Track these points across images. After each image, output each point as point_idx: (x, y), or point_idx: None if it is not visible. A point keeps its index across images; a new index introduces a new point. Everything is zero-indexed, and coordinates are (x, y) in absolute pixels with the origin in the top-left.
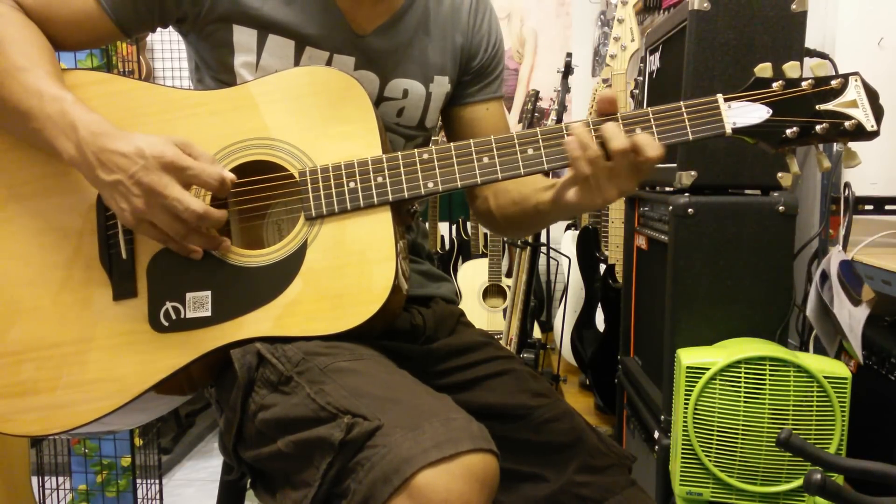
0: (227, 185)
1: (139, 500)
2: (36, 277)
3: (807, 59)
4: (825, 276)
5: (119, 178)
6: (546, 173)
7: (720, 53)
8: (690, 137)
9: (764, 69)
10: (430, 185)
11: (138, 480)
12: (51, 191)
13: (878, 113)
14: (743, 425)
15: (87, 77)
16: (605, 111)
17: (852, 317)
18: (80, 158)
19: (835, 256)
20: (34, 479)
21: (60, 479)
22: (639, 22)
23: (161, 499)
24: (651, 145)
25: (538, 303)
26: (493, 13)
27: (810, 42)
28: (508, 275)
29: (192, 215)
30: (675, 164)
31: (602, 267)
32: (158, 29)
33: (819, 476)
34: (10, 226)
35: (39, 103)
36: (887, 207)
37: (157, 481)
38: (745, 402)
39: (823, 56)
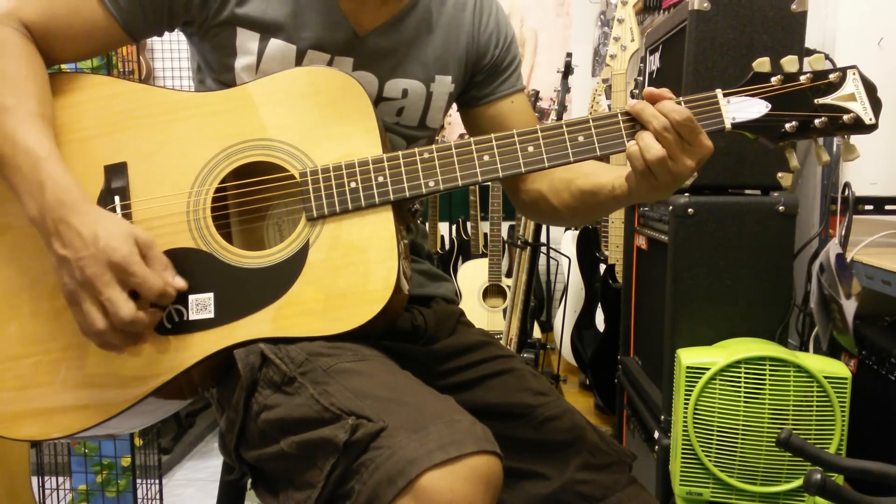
0: (169, 297)
1: (139, 500)
2: (40, 281)
3: (807, 60)
4: (823, 268)
5: (67, 256)
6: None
7: (720, 53)
8: None
9: (762, 64)
10: (432, 183)
11: (138, 480)
12: None
13: (876, 106)
14: (743, 425)
15: (85, 80)
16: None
17: (846, 309)
18: (39, 221)
19: (832, 249)
20: (34, 479)
21: (60, 479)
22: (639, 22)
23: (161, 499)
24: (675, 108)
25: (538, 303)
26: (501, 10)
27: (810, 42)
28: (508, 275)
29: (118, 319)
30: None
31: (602, 267)
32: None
33: (819, 476)
34: (9, 230)
35: (12, 152)
36: (887, 207)
37: (157, 481)
38: (745, 402)
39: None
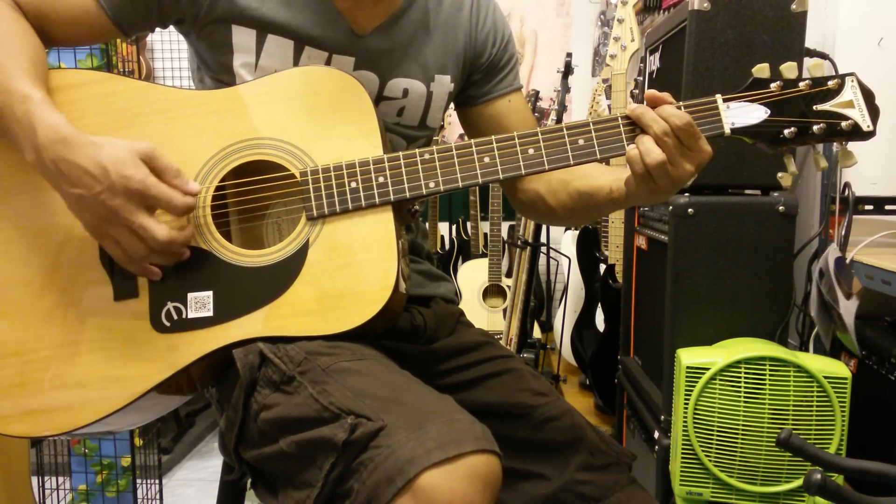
0: (192, 207)
1: (139, 500)
2: (35, 278)
3: (807, 60)
4: (822, 274)
5: (82, 193)
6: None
7: (720, 53)
8: None
9: (762, 70)
10: (432, 184)
11: (138, 480)
12: (45, 193)
13: (874, 113)
14: (743, 425)
15: (85, 77)
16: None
17: (846, 310)
18: (40, 164)
19: (831, 254)
20: (34, 479)
21: (60, 479)
22: (639, 22)
23: (161, 499)
24: (676, 113)
25: (538, 303)
26: (498, 9)
27: (810, 42)
28: (508, 275)
29: (157, 243)
30: None
31: (602, 267)
32: (158, 29)
33: (819, 476)
34: (7, 228)
35: (8, 101)
36: (887, 207)
37: (157, 481)
38: (745, 402)
39: (823, 56)
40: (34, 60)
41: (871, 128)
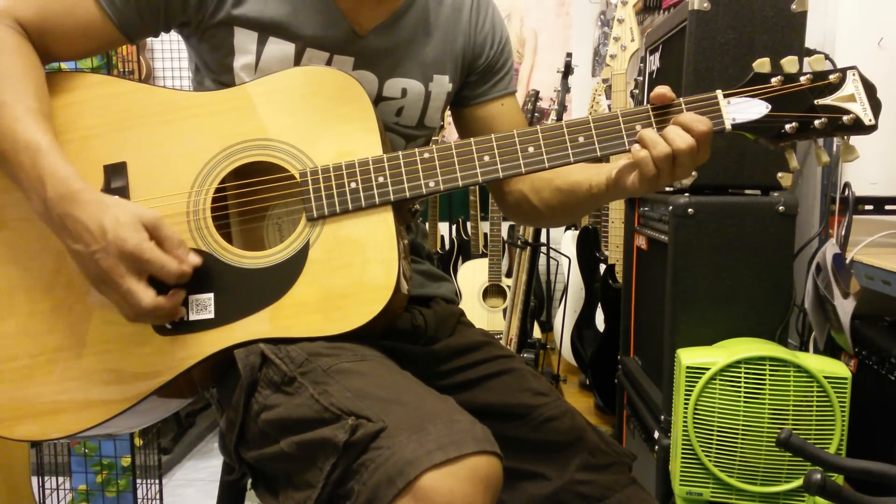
0: (187, 275)
1: (139, 500)
2: (37, 280)
3: (807, 60)
4: (819, 269)
5: (80, 250)
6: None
7: (720, 53)
8: None
9: (762, 64)
10: (432, 184)
11: (138, 480)
12: None
13: (875, 107)
14: (743, 425)
15: (85, 79)
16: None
17: (842, 308)
18: (46, 216)
19: (829, 249)
20: (34, 479)
21: (60, 479)
22: (639, 22)
23: (161, 499)
24: (698, 120)
25: (538, 303)
26: (497, 11)
27: (810, 42)
28: (508, 275)
29: (141, 310)
30: None
31: (602, 267)
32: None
33: (819, 476)
34: (10, 231)
35: (13, 148)
36: (887, 207)
37: (157, 481)
38: (745, 402)
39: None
40: (38, 94)
41: (873, 121)
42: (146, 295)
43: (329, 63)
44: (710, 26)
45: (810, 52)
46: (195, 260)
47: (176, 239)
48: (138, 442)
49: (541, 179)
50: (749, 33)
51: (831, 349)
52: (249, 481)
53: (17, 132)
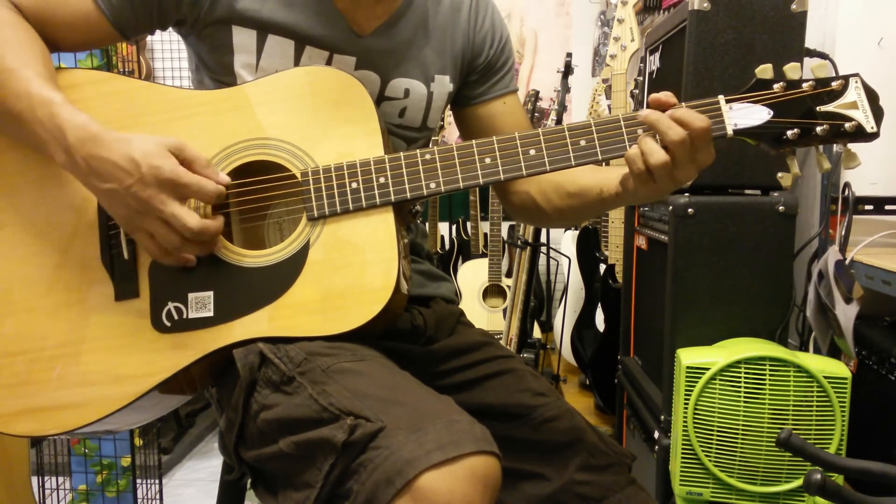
0: (223, 194)
1: (139, 500)
2: (36, 277)
3: (807, 60)
4: (822, 276)
5: (114, 188)
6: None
7: (720, 53)
8: None
9: (765, 70)
10: (433, 185)
11: (138, 480)
12: (49, 192)
13: (878, 114)
14: (743, 425)
15: (87, 76)
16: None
17: (845, 314)
18: (71, 164)
19: (831, 256)
20: (34, 479)
21: (60, 479)
22: (639, 22)
23: (161, 499)
24: (696, 118)
25: (538, 303)
26: (496, 10)
27: (810, 42)
28: (508, 275)
29: (190, 232)
30: None
31: (602, 267)
32: (157, 31)
33: (819, 476)
34: (9, 227)
35: (29, 106)
36: (887, 207)
37: (157, 481)
38: (745, 402)
39: (823, 56)
40: (45, 63)
41: (875, 129)
42: (192, 216)
43: (329, 62)
44: (710, 26)
45: (810, 53)
46: (225, 178)
47: (203, 159)
48: (138, 442)
49: (549, 182)
50: (749, 33)
51: (831, 349)
52: (249, 481)
53: (31, 91)
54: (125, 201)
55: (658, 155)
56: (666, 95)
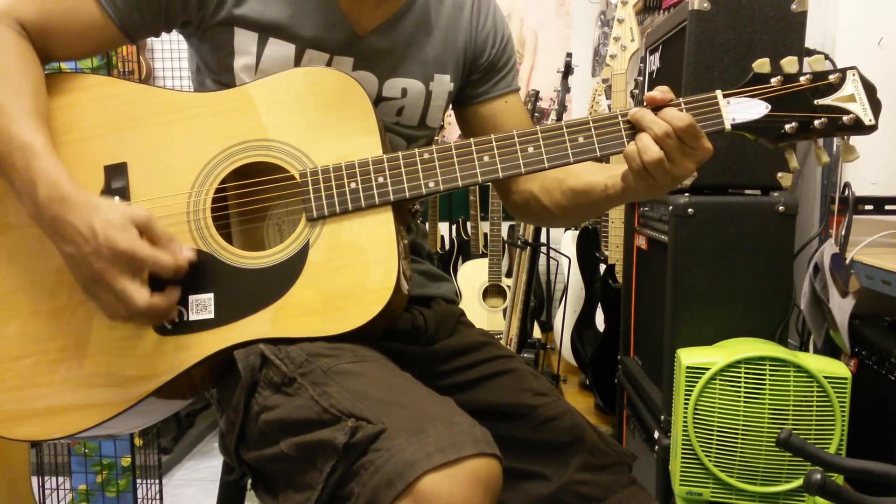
0: (182, 269)
1: (139, 500)
2: (36, 281)
3: (807, 60)
4: (817, 269)
5: (72, 252)
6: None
7: (720, 53)
8: None
9: (762, 65)
10: (432, 184)
11: (138, 480)
12: None
13: (875, 107)
14: (743, 425)
15: (86, 80)
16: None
17: (840, 308)
18: (38, 218)
19: (827, 249)
20: (34, 479)
21: (60, 479)
22: (639, 22)
23: (161, 499)
24: (676, 116)
25: (538, 303)
26: (498, 9)
27: (810, 42)
28: (508, 275)
29: (135, 310)
30: None
31: (602, 267)
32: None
33: (819, 476)
34: (14, 231)
35: (7, 150)
36: (887, 207)
37: (157, 481)
38: (745, 402)
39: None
40: (35, 95)
41: (873, 122)
42: (140, 294)
43: (329, 64)
44: (710, 26)
45: (810, 52)
46: (189, 254)
47: (167, 235)
48: (138, 442)
49: (552, 180)
50: (749, 33)
51: (831, 349)
52: (249, 482)
53: (11, 133)
54: (80, 268)
55: (651, 151)
56: (661, 92)
